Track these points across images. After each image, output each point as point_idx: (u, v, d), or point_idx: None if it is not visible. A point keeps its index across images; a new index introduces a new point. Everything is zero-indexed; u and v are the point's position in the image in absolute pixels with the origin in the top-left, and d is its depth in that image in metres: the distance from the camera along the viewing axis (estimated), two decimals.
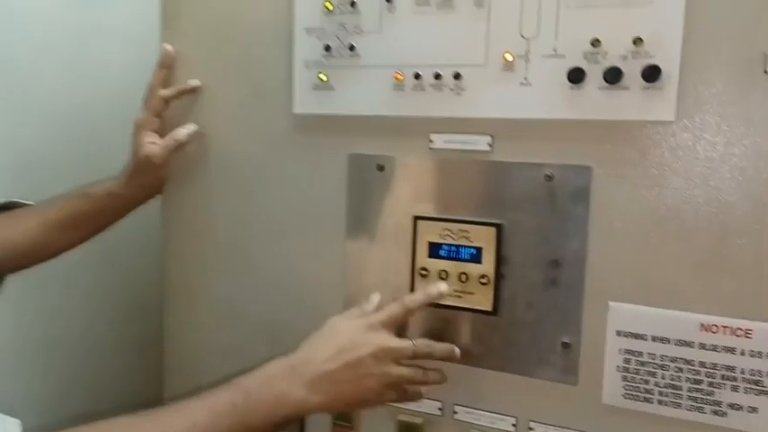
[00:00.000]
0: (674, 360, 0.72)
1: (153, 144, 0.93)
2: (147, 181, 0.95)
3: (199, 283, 0.98)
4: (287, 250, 0.91)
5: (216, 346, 0.98)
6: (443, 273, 0.81)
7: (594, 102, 0.72)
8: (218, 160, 0.95)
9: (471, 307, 0.80)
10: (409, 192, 0.83)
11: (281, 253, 0.92)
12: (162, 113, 0.95)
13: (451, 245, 0.80)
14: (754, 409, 0.69)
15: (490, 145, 0.78)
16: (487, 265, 0.79)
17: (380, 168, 0.84)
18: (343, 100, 0.85)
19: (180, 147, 0.92)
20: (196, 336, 0.99)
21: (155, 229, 1.02)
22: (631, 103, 0.71)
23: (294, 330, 0.91)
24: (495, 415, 0.81)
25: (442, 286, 0.78)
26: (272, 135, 0.91)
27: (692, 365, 0.71)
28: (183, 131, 0.92)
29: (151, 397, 1.02)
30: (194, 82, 0.94)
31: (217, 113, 0.94)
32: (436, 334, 0.82)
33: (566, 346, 0.76)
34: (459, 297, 0.81)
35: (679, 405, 0.72)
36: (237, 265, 0.95)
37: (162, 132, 0.94)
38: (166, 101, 0.94)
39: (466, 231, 0.79)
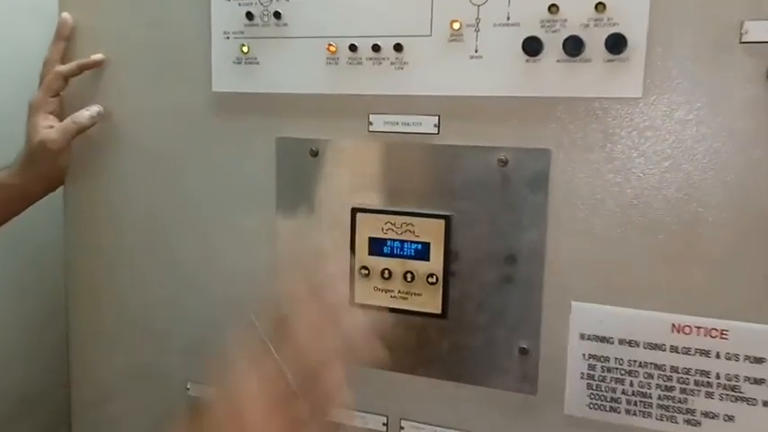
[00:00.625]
0: (643, 365, 0.64)
1: (50, 128, 0.80)
2: (43, 170, 0.82)
3: (106, 285, 0.86)
4: (206, 249, 0.80)
5: (126, 355, 0.86)
6: (386, 271, 0.72)
7: (553, 76, 0.64)
8: (127, 146, 0.83)
9: (418, 310, 0.71)
10: (346, 180, 0.73)
11: (200, 252, 0.81)
12: (60, 93, 0.82)
13: (395, 240, 0.71)
14: (730, 418, 0.62)
15: (437, 126, 0.69)
16: (436, 263, 0.70)
17: (313, 154, 0.73)
18: (269, 76, 0.74)
19: (81, 131, 0.80)
20: (104, 345, 0.87)
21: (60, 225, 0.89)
22: (594, 77, 0.62)
23: (215, 338, 0.81)
24: (445, 430, 0.72)
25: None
26: (187, 117, 0.79)
27: (663, 370, 0.64)
28: (85, 114, 0.80)
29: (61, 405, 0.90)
30: (97, 56, 0.82)
31: (124, 92, 0.82)
32: (381, 338, 0.73)
33: (523, 351, 0.68)
34: (405, 299, 0.71)
35: (649, 414, 0.65)
36: (150, 264, 0.83)
37: (60, 115, 0.82)
38: (65, 78, 0.81)
39: (411, 225, 0.70)
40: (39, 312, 1.16)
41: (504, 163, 0.66)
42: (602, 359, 0.66)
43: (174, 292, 0.83)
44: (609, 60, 0.62)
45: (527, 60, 0.64)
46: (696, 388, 0.63)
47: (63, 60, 0.82)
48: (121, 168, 0.83)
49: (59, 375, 0.96)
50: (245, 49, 0.74)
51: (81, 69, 0.81)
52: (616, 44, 0.60)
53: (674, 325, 0.63)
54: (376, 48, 0.68)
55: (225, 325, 0.82)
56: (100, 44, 0.82)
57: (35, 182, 0.83)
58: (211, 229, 0.80)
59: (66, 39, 0.82)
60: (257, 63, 0.74)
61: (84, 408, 0.89)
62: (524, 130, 0.66)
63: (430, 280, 0.70)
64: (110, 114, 0.82)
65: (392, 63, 0.69)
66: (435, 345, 0.71)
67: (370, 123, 0.71)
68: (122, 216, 0.84)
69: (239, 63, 0.75)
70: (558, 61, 0.63)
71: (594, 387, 0.66)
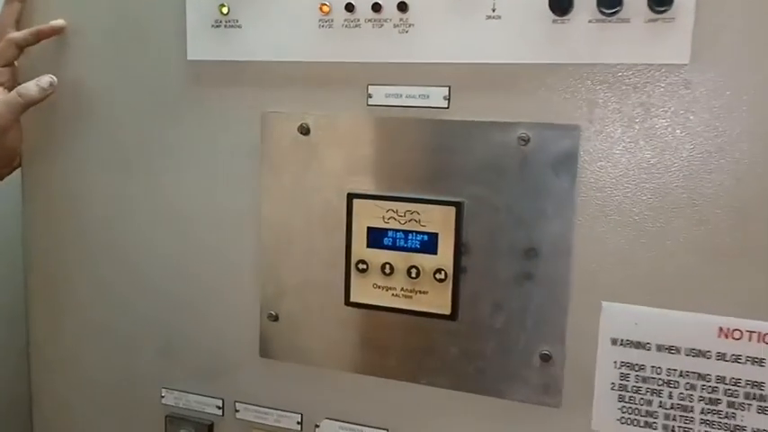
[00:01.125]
0: (684, 374, 0.56)
1: None
2: None
3: (68, 283, 0.76)
4: (182, 241, 0.71)
5: (91, 362, 0.77)
6: (387, 266, 0.62)
7: (584, 39, 0.54)
8: (89, 125, 0.73)
9: (424, 310, 0.62)
10: (342, 162, 0.63)
11: (175, 245, 0.71)
12: (14, 62, 0.72)
13: (398, 230, 0.62)
14: None
15: (447, 99, 0.60)
16: (444, 256, 0.61)
17: (304, 131, 0.64)
18: (253, 41, 0.64)
19: (29, 105, 0.70)
20: (66, 351, 0.78)
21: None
22: (633, 40, 0.53)
23: (193, 344, 0.72)
24: None
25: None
26: (159, 90, 0.70)
27: (708, 381, 0.55)
28: (34, 86, 0.70)
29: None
30: (57, 22, 0.72)
31: (86, 63, 0.72)
32: (378, 345, 0.64)
33: (545, 358, 0.59)
34: (409, 298, 0.62)
35: (690, 430, 0.56)
36: (117, 260, 0.74)
37: (13, 88, 0.72)
38: (19, 46, 0.71)
39: (416, 213, 0.61)
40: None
41: (526, 141, 0.57)
42: (636, 367, 0.57)
43: (146, 291, 0.73)
44: (651, 20, 0.52)
45: (554, 21, 0.55)
46: (746, 402, 0.55)
47: (17, 26, 0.72)
48: (83, 152, 0.73)
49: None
50: (224, 10, 0.64)
51: (38, 38, 0.71)
52: (660, 0, 0.51)
53: (721, 329, 0.55)
54: (376, 7, 0.59)
55: (203, 330, 0.73)
56: (60, 7, 0.72)
57: None
58: (187, 219, 0.70)
59: (21, 0, 0.72)
60: (239, 26, 0.64)
61: (45, 422, 0.80)
62: (549, 102, 0.57)
63: (438, 276, 0.61)
64: (70, 88, 0.72)
65: (395, 25, 0.59)
66: (443, 350, 0.62)
67: (370, 96, 0.62)
68: (83, 206, 0.74)
69: (218, 26, 0.65)
70: (590, 21, 0.54)
71: (627, 399, 0.58)
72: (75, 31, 0.71)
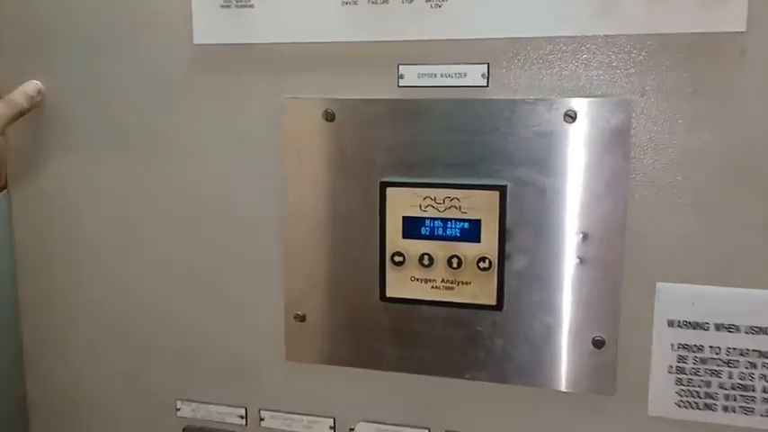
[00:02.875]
0: (745, 353, 0.54)
1: None
2: None
3: (70, 288, 0.70)
4: (197, 238, 0.66)
5: (99, 374, 0.71)
6: (426, 257, 0.59)
7: (635, 8, 0.52)
8: (86, 123, 0.66)
9: (468, 302, 0.59)
10: (372, 149, 0.59)
11: (188, 247, 0.66)
12: None
13: (436, 219, 0.58)
14: None
15: (486, 77, 0.56)
16: (488, 244, 0.57)
17: (329, 117, 0.59)
18: (267, 22, 0.59)
19: (18, 116, 0.63)
20: (71, 361, 0.72)
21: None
22: (687, 8, 0.51)
23: (212, 349, 0.67)
24: None
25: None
26: (163, 80, 0.64)
27: None
28: (21, 94, 0.63)
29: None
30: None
31: (77, 55, 0.65)
32: (416, 341, 0.61)
33: (598, 344, 0.57)
34: (450, 289, 0.59)
35: (752, 411, 0.55)
36: (124, 265, 0.68)
37: None
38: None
39: (456, 199, 0.57)
40: None
41: (573, 118, 0.54)
42: (694, 349, 0.55)
43: (159, 292, 0.68)
44: None
45: None
46: None
47: None
48: (82, 148, 0.67)
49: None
50: None
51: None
52: None
53: None
54: None
55: (222, 332, 0.69)
56: None
57: None
58: (203, 214, 0.65)
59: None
60: (251, 6, 0.59)
61: None
62: (597, 76, 0.54)
63: (481, 265, 0.58)
64: (62, 84, 0.66)
65: (427, 0, 0.56)
66: (488, 342, 0.59)
67: (401, 77, 0.58)
68: (91, 203, 0.68)
69: (228, 6, 0.60)
70: None
71: (685, 382, 0.56)
72: (62, 17, 0.65)
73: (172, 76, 0.63)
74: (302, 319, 0.63)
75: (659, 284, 0.55)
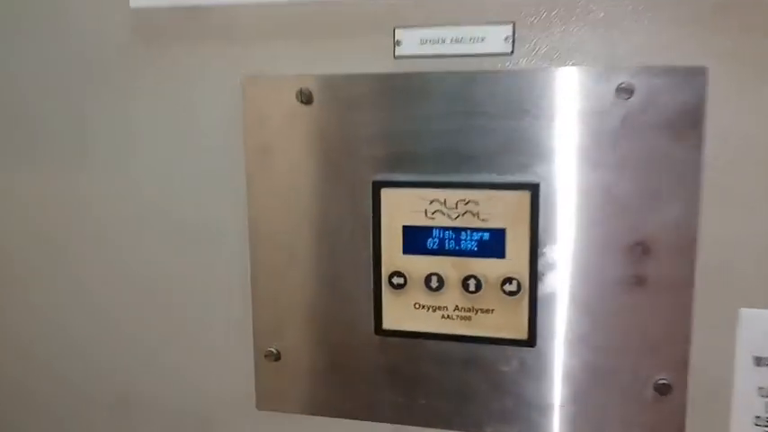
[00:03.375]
0: None
1: None
2: None
3: None
4: (140, 259, 0.52)
5: (25, 419, 0.57)
6: (434, 278, 0.45)
7: None
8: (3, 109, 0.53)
9: (490, 335, 0.45)
10: (361, 139, 0.46)
11: (131, 263, 0.52)
12: None
13: (447, 228, 0.45)
14: None
15: (510, 41, 0.43)
16: (516, 261, 0.44)
17: (305, 99, 0.46)
18: None
19: None
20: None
21: None
22: None
23: (160, 398, 0.54)
24: None
25: None
26: (92, 55, 0.50)
27: None
28: None
29: None
30: None
31: None
32: (423, 386, 0.47)
33: (663, 389, 0.43)
34: (467, 319, 0.46)
35: None
36: (53, 285, 0.54)
37: None
38: None
39: (473, 202, 0.44)
40: None
41: (629, 93, 0.41)
42: None
43: (92, 326, 0.54)
44: None
45: None
46: None
47: None
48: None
49: None
50: None
51: None
52: None
53: None
54: None
55: (175, 375, 0.55)
56: None
57: None
58: (145, 234, 0.51)
59: None
60: None
61: None
62: (661, 39, 0.41)
63: (507, 288, 0.44)
64: None
65: None
66: (516, 387, 0.46)
67: (397, 44, 0.44)
68: (7, 213, 0.54)
69: None
70: None
71: None
72: None
73: (103, 53, 0.50)
74: (276, 357, 0.50)
75: (743, 311, 0.42)
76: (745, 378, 0.43)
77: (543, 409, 0.46)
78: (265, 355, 0.50)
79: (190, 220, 0.50)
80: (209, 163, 0.49)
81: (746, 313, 0.42)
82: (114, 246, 0.52)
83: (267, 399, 0.51)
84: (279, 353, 0.50)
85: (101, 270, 0.53)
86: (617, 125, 0.41)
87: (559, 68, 0.42)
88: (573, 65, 0.42)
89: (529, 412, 0.46)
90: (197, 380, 0.53)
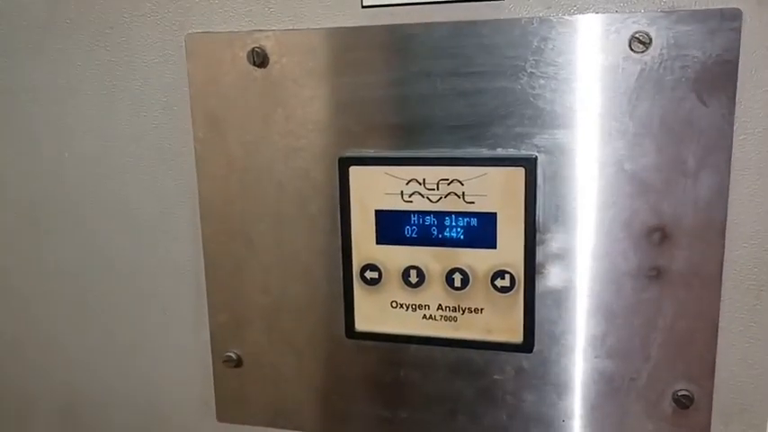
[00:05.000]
0: None
1: None
2: None
3: None
4: (80, 248, 0.45)
5: None
6: (414, 272, 0.38)
7: None
8: None
9: (479, 339, 0.38)
10: (325, 107, 0.38)
11: (69, 253, 0.46)
12: None
13: (427, 213, 0.38)
14: None
15: None
16: (509, 251, 0.37)
17: (258, 60, 0.39)
18: None
19: None
20: None
21: None
22: None
23: (108, 407, 0.47)
24: None
25: None
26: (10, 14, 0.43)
27: None
28: None
29: None
30: None
31: None
32: (402, 396, 0.41)
33: (684, 402, 0.36)
34: (453, 320, 0.39)
35: None
36: None
37: None
38: None
39: (457, 182, 0.37)
40: None
41: (645, 45, 0.33)
42: None
43: (33, 332, 0.48)
44: None
45: None
46: None
47: None
48: None
49: None
50: None
51: None
52: None
53: None
54: None
55: (125, 383, 0.47)
56: None
57: None
58: (84, 222, 0.45)
59: None
60: None
61: None
62: None
63: (499, 283, 0.37)
64: None
65: None
66: (510, 398, 0.39)
67: None
68: None
69: None
70: None
71: None
72: None
73: (18, 8, 0.42)
74: (237, 363, 0.43)
75: None
76: None
77: (543, 423, 0.39)
78: (224, 361, 0.43)
79: (133, 206, 0.43)
80: (150, 136, 0.42)
81: None
82: (47, 234, 0.45)
83: (228, 410, 0.45)
84: (239, 358, 0.43)
85: (31, 265, 0.46)
86: (631, 84, 0.34)
87: (561, 16, 0.34)
88: (577, 11, 0.34)
89: (526, 427, 0.39)
90: (152, 388, 0.46)
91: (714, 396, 0.36)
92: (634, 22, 0.33)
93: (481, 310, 0.38)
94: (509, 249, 0.37)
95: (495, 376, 0.39)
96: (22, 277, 0.47)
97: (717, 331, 0.36)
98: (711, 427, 0.37)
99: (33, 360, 0.48)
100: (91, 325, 0.46)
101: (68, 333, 0.47)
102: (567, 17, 0.34)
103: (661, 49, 0.33)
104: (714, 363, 0.36)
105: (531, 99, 0.35)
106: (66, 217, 0.45)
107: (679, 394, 0.36)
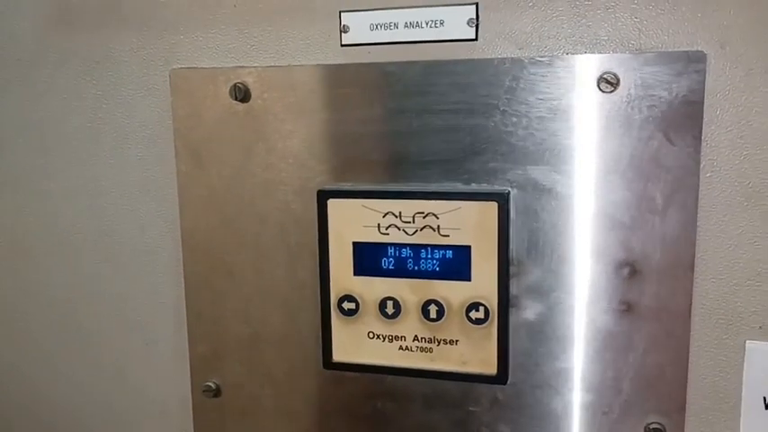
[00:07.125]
0: None
1: None
2: None
3: None
4: (58, 277, 0.46)
5: None
6: (390, 303, 0.39)
7: None
8: None
9: (454, 370, 0.39)
10: (304, 141, 0.39)
11: (45, 281, 0.46)
12: None
13: (403, 245, 0.38)
14: None
15: (474, 25, 0.36)
16: (483, 283, 0.37)
17: (240, 95, 0.40)
18: None
19: None
20: None
21: None
22: None
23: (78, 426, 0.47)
24: None
25: None
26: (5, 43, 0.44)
27: None
28: None
29: None
30: None
31: None
32: (383, 425, 0.41)
33: None
34: (428, 351, 0.39)
35: None
36: None
37: None
38: None
39: (432, 215, 0.38)
40: None
41: (613, 85, 0.34)
42: None
43: (13, 359, 0.48)
44: None
45: None
46: None
47: None
48: None
49: None
50: None
51: None
52: None
53: None
54: None
55: (101, 412, 0.47)
56: None
57: None
58: (67, 252, 0.45)
59: None
60: None
61: None
62: (651, 19, 0.34)
63: (473, 315, 0.38)
64: None
65: None
66: (486, 431, 0.39)
67: (344, 30, 0.38)
68: None
69: None
70: None
71: None
72: None
73: (7, 40, 0.43)
74: (215, 393, 0.44)
75: (750, 344, 0.36)
76: (753, 424, 0.36)
77: None
78: (203, 391, 0.44)
79: (116, 237, 0.44)
80: (134, 170, 0.43)
81: (754, 347, 0.35)
82: (32, 263, 0.46)
83: None
84: (218, 388, 0.44)
85: (14, 290, 0.47)
86: (600, 123, 0.35)
87: (532, 57, 0.35)
88: (547, 52, 0.36)
89: None
90: (129, 417, 0.46)
91: (685, 428, 0.37)
92: (602, 63, 0.34)
93: (456, 341, 0.39)
94: (483, 282, 0.37)
95: (471, 408, 0.39)
96: (9, 306, 0.47)
97: (687, 364, 0.36)
98: None
99: (15, 388, 0.48)
100: (76, 354, 0.46)
101: (51, 365, 0.47)
102: (537, 58, 0.35)
103: (629, 90, 0.34)
104: (685, 396, 0.36)
105: (504, 136, 0.36)
106: (53, 248, 0.45)
107: (651, 427, 0.37)
